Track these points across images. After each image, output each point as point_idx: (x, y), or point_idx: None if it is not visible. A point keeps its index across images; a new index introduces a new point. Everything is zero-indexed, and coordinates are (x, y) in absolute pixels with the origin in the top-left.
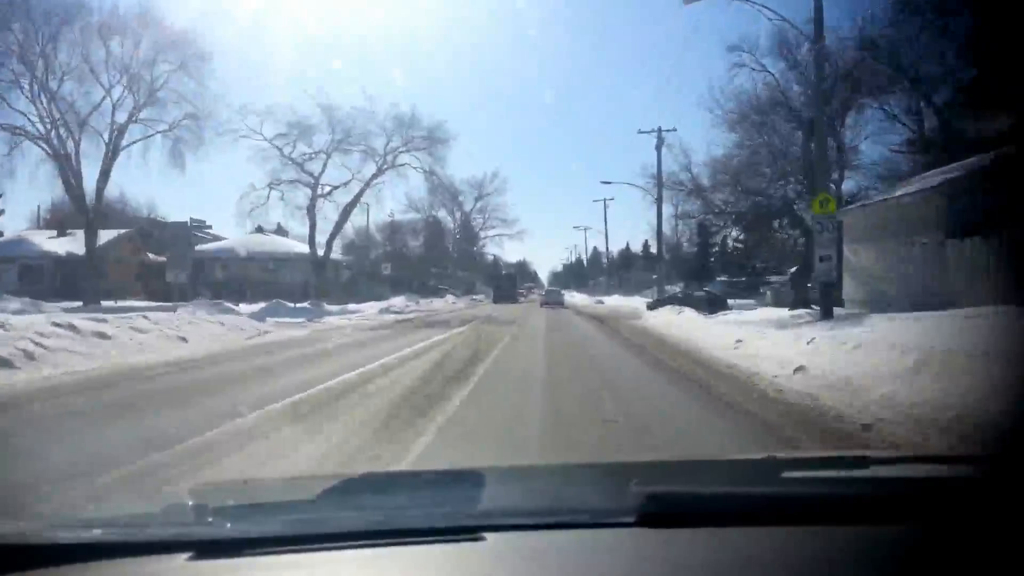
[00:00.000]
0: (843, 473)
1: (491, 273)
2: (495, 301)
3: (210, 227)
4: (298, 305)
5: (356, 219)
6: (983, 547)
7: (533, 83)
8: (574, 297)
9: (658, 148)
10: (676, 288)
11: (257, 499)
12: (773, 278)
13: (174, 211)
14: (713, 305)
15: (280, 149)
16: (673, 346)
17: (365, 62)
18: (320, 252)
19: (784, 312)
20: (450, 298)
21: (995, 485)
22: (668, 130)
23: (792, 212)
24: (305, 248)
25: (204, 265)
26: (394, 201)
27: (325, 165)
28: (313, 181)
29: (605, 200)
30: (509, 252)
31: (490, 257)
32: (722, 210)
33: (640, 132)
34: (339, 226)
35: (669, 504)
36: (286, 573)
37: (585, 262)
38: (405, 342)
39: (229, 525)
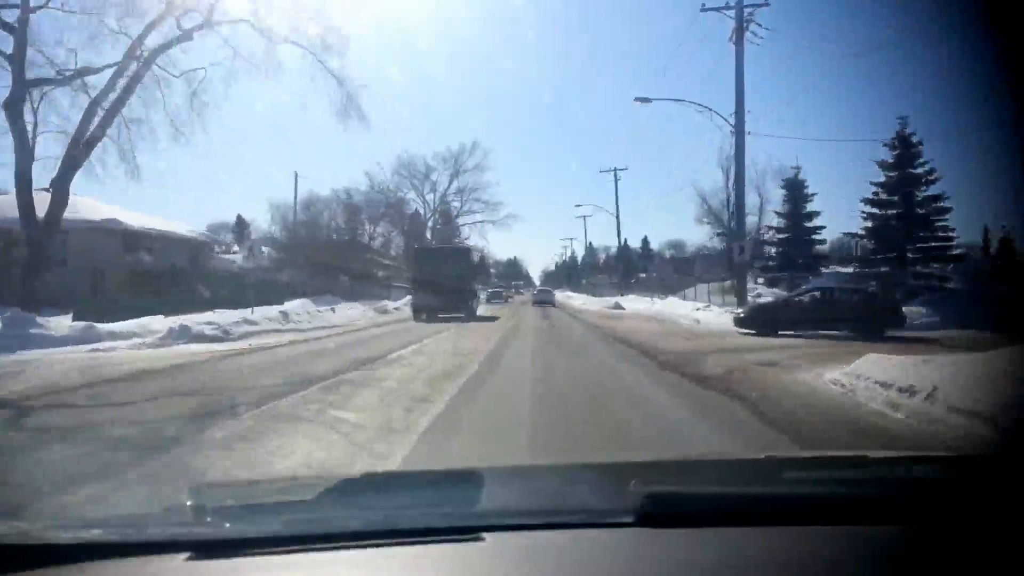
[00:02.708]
0: (843, 473)
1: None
2: (417, 311)
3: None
4: None
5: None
6: (983, 547)
7: (529, 71)
8: (572, 299)
9: (736, 40)
10: (759, 287)
11: (256, 499)
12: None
13: None
14: (890, 317)
15: None
16: None
17: None
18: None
19: None
20: (398, 303)
21: (995, 485)
22: (756, 4)
23: None
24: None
25: None
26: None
27: (25, 28)
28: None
29: (616, 170)
30: (498, 247)
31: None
32: None
33: (705, 9)
34: (77, 153)
35: (668, 504)
36: (284, 573)
37: (579, 260)
38: None
39: (227, 525)
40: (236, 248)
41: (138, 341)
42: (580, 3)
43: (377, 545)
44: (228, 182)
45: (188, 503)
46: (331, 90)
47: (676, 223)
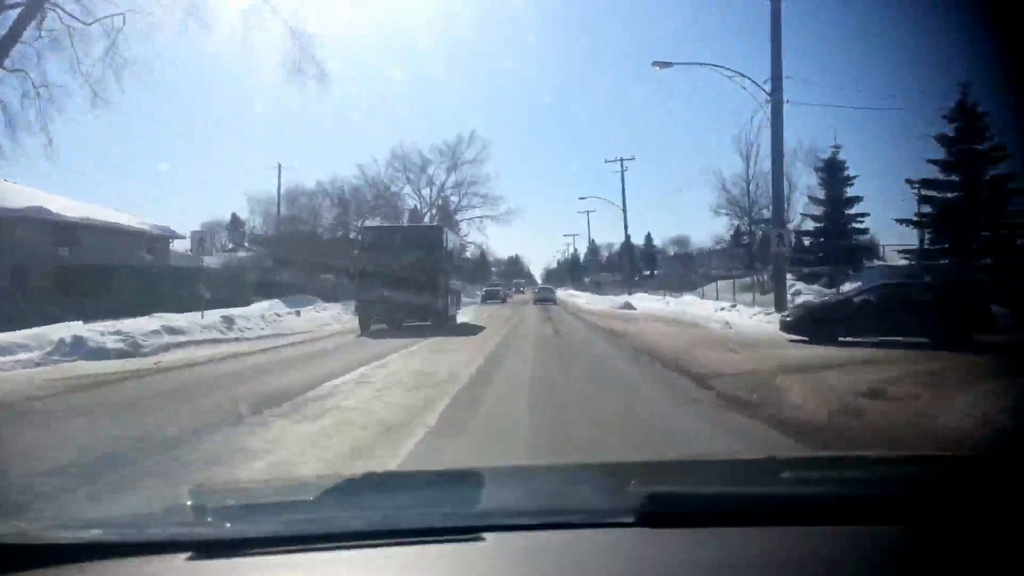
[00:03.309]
0: (843, 473)
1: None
2: (365, 318)
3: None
4: None
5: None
6: (983, 547)
7: (529, 67)
8: (576, 298)
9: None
10: (796, 283)
11: (256, 499)
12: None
13: None
14: (978, 319)
15: None
16: None
17: None
18: None
19: None
20: None
21: (995, 485)
22: None
23: None
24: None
25: None
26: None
27: None
28: None
29: (622, 160)
30: (499, 245)
31: (471, 247)
32: None
33: None
34: None
35: (669, 504)
36: (285, 573)
37: (582, 258)
38: None
39: (228, 525)
40: (231, 245)
41: (20, 357)
42: None
43: (377, 545)
44: (226, 181)
45: (188, 503)
46: (282, 40)
47: (678, 222)
